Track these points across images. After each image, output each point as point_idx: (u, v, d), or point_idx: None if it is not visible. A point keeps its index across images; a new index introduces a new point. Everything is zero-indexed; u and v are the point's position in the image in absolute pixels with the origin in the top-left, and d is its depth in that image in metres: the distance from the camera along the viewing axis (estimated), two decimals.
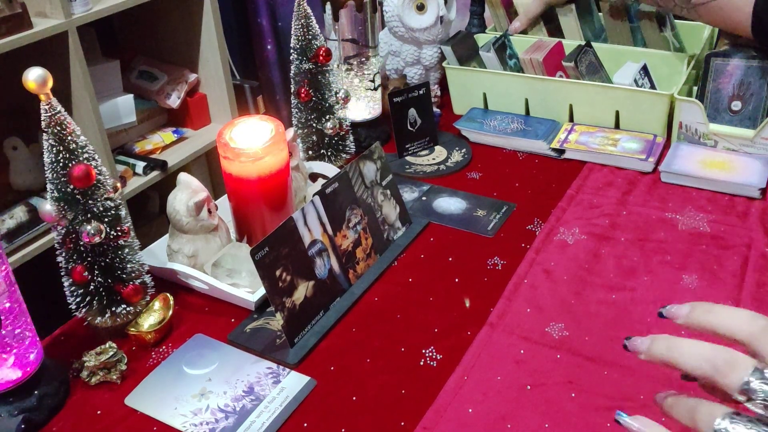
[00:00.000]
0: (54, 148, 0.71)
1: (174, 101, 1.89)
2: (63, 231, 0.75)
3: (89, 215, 0.74)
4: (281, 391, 0.74)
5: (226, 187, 0.91)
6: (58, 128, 0.70)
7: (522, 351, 0.77)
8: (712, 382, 0.49)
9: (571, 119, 1.21)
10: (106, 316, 0.79)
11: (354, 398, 0.73)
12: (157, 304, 0.83)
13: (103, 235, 0.74)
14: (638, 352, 0.55)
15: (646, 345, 0.54)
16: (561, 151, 1.15)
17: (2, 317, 0.67)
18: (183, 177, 0.88)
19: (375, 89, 1.19)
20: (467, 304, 0.84)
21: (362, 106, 1.20)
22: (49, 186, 0.73)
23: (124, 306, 0.79)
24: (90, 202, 0.74)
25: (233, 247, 0.89)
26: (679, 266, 0.88)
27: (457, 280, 0.89)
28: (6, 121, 1.67)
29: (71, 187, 0.72)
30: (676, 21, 1.33)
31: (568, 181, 1.08)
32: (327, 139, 1.09)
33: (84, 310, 0.79)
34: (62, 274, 0.77)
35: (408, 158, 1.17)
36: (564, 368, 0.74)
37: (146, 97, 1.91)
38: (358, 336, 0.81)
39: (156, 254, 0.92)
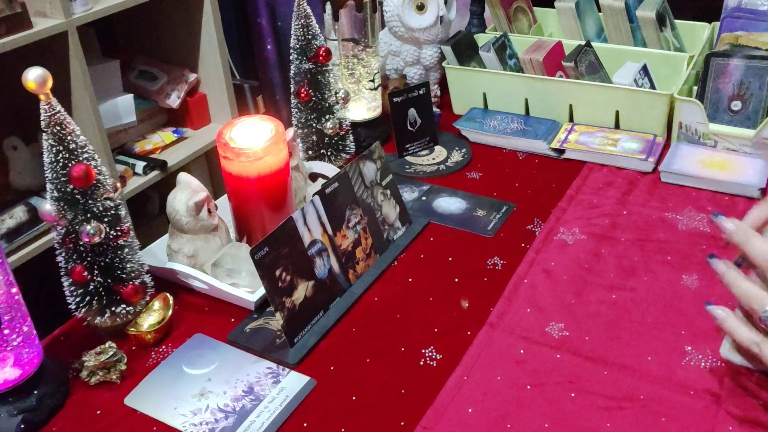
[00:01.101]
0: (54, 148, 0.71)
1: (174, 101, 1.89)
2: (63, 231, 0.75)
3: (89, 215, 0.74)
4: (281, 391, 0.74)
5: (226, 186, 0.91)
6: (58, 128, 0.70)
7: (522, 351, 0.77)
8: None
9: (571, 119, 1.21)
10: (106, 315, 0.79)
11: (354, 398, 0.73)
12: (156, 304, 0.83)
13: (102, 235, 0.74)
14: (722, 230, 0.66)
15: (730, 229, 0.65)
16: (561, 151, 1.15)
17: (2, 317, 0.67)
18: (183, 177, 0.88)
19: (375, 89, 1.19)
20: (465, 306, 0.84)
21: (362, 106, 1.20)
22: (48, 186, 0.73)
23: (123, 306, 0.79)
24: (90, 201, 0.74)
25: (233, 247, 0.89)
26: (679, 266, 0.88)
27: (457, 280, 0.89)
28: (6, 121, 1.66)
29: (71, 186, 0.72)
30: (676, 21, 1.33)
31: (568, 181, 1.08)
32: (327, 139, 1.09)
33: (84, 309, 0.79)
34: (62, 273, 0.77)
35: (408, 158, 1.17)
36: (564, 368, 0.74)
37: (146, 96, 1.91)
38: (358, 336, 0.81)
39: (156, 254, 0.92)
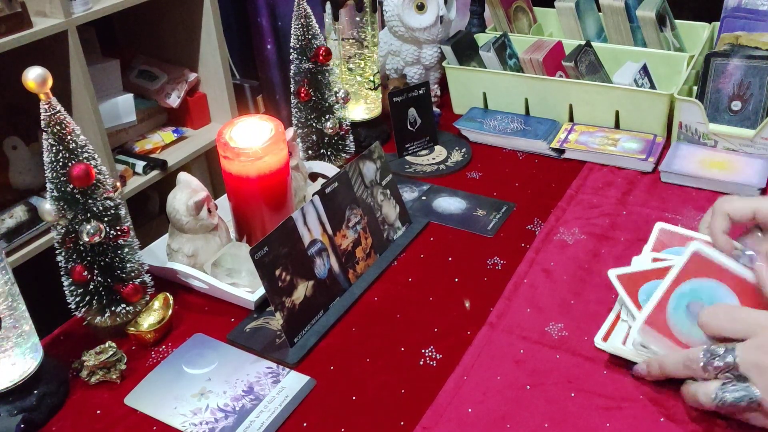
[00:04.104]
0: (54, 148, 0.71)
1: (174, 101, 1.89)
2: (63, 230, 0.75)
3: (89, 215, 0.74)
4: (281, 391, 0.74)
5: (225, 186, 0.91)
6: (58, 128, 0.70)
7: (522, 351, 0.77)
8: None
9: (571, 119, 1.21)
10: (106, 315, 0.79)
11: (354, 398, 0.73)
12: (156, 304, 0.83)
13: (102, 235, 0.74)
14: (641, 376, 0.71)
15: (644, 371, 0.70)
16: (561, 151, 1.15)
17: (2, 317, 0.67)
18: (183, 176, 0.88)
19: (375, 89, 1.19)
20: (467, 306, 0.84)
21: (362, 106, 1.20)
22: (48, 185, 0.73)
23: (123, 305, 0.79)
24: (90, 201, 0.74)
25: (233, 247, 0.89)
26: None
27: (457, 280, 0.89)
28: (6, 120, 1.66)
29: (71, 186, 0.72)
30: (676, 21, 1.33)
31: (568, 181, 1.08)
32: (327, 138, 1.09)
33: (84, 309, 0.79)
34: (62, 273, 0.77)
35: (408, 158, 1.17)
36: (564, 368, 0.74)
37: (146, 96, 1.91)
38: (358, 336, 0.81)
39: (156, 254, 0.92)
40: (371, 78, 1.18)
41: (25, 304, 0.71)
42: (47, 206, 0.73)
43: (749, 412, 0.63)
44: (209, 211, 0.87)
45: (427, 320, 0.82)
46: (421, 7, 1.25)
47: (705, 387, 0.64)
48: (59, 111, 0.70)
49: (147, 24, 1.94)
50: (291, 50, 1.05)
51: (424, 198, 1.06)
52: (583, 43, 1.22)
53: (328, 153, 1.10)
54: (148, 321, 0.81)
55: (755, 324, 0.63)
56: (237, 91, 2.04)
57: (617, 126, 1.18)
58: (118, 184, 0.78)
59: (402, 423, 0.69)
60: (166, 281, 0.89)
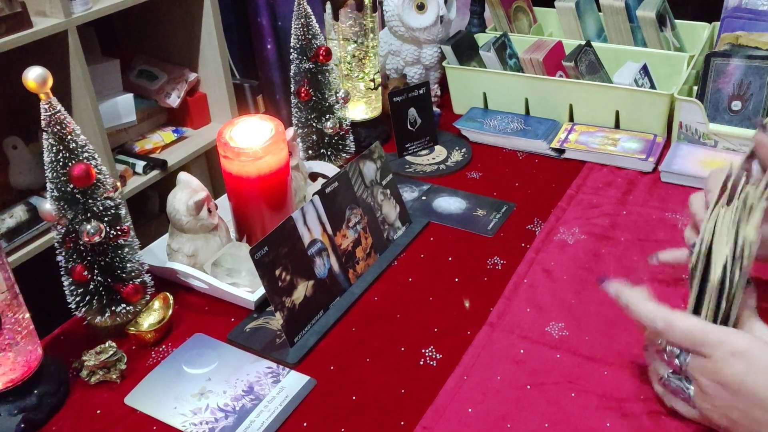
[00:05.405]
0: (54, 148, 0.71)
1: (174, 100, 1.89)
2: (63, 230, 0.75)
3: (89, 214, 0.74)
4: (281, 391, 0.74)
5: (225, 186, 0.91)
6: (58, 127, 0.70)
7: (522, 351, 0.77)
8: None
9: (571, 119, 1.21)
10: (106, 315, 0.79)
11: (354, 398, 0.73)
12: (156, 304, 0.83)
13: (102, 235, 0.74)
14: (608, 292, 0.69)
15: (614, 291, 0.68)
16: (561, 151, 1.15)
17: (2, 317, 0.67)
18: (183, 176, 0.88)
19: (375, 89, 1.19)
20: (467, 306, 0.84)
21: (362, 106, 1.20)
22: (48, 185, 0.73)
23: (123, 305, 0.80)
24: (90, 201, 0.74)
25: (233, 247, 0.89)
26: (679, 266, 0.88)
27: (457, 279, 0.89)
28: (6, 120, 1.66)
29: (71, 186, 0.72)
30: (676, 21, 1.33)
31: (568, 180, 1.08)
32: (327, 138, 1.09)
33: (84, 309, 0.79)
34: (62, 273, 0.77)
35: (408, 158, 1.17)
36: (564, 368, 0.74)
37: (146, 96, 1.91)
38: (358, 336, 0.81)
39: (156, 254, 0.92)
40: (371, 78, 1.18)
41: (25, 304, 0.71)
42: (47, 206, 0.73)
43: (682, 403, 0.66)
44: (209, 211, 0.87)
45: (427, 320, 0.82)
46: (421, 7, 1.25)
47: (659, 365, 0.67)
48: (59, 111, 0.70)
49: (147, 24, 1.94)
50: (291, 50, 1.05)
51: (424, 198, 1.06)
52: (583, 43, 1.22)
53: (328, 153, 1.10)
54: (148, 321, 0.81)
55: (714, 348, 0.61)
56: (237, 91, 2.04)
57: (617, 126, 1.18)
58: (118, 184, 0.78)
59: (402, 423, 0.69)
60: (166, 281, 0.89)
